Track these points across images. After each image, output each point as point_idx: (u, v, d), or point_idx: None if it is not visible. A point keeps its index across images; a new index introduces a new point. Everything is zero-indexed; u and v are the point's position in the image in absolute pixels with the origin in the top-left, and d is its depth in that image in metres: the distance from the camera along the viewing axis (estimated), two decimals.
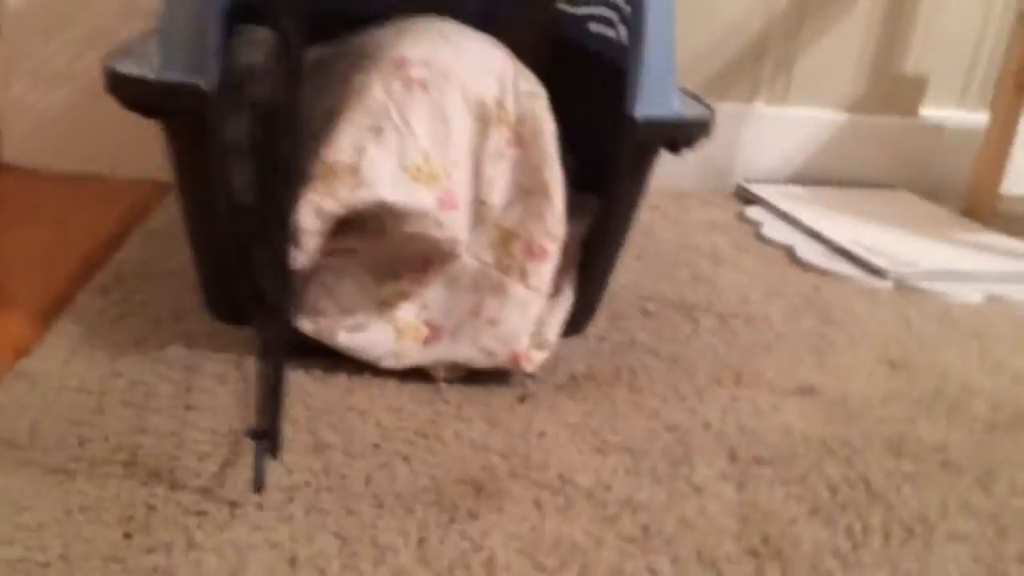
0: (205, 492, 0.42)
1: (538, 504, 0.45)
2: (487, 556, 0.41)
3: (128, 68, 0.53)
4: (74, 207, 0.83)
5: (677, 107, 0.57)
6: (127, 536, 0.39)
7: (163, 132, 0.57)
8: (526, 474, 0.47)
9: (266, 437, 0.41)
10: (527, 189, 0.55)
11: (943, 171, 1.14)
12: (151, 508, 0.41)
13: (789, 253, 0.89)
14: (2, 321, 0.59)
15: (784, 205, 1.00)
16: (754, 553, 0.44)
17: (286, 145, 0.45)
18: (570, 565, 0.41)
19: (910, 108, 1.14)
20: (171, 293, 0.64)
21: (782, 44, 1.09)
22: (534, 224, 0.54)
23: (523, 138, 0.55)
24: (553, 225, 0.54)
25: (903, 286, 0.82)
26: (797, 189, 1.09)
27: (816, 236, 0.92)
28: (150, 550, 0.38)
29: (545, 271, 0.54)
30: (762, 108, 1.11)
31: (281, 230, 0.43)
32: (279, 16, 0.48)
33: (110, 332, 0.58)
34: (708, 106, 0.60)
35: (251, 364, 0.55)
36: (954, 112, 1.16)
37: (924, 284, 0.82)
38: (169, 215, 0.82)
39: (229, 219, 0.54)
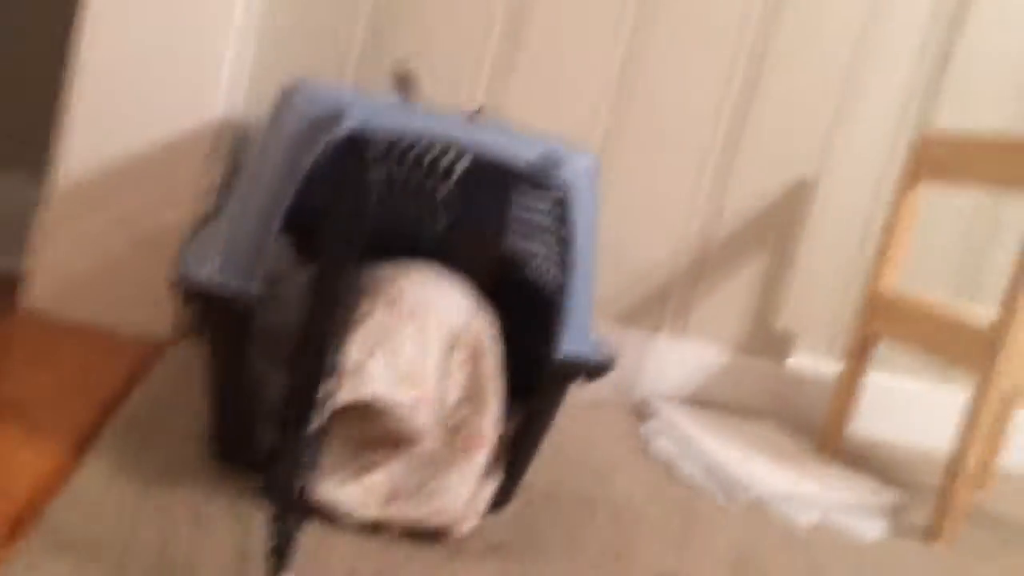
0: None
1: None
2: None
3: (194, 271, 0.73)
4: (91, 355, 1.00)
5: (590, 349, 0.79)
6: None
7: (210, 320, 0.76)
8: None
9: (280, 555, 0.58)
10: (473, 395, 0.75)
11: (805, 409, 1.39)
12: None
13: (671, 467, 1.09)
14: (48, 449, 0.74)
15: (675, 421, 1.22)
16: None
17: (320, 361, 0.64)
18: None
19: (781, 354, 1.41)
20: (180, 435, 0.81)
21: (683, 291, 1.35)
22: (475, 422, 0.74)
23: (475, 358, 0.76)
24: (489, 425, 0.74)
25: (755, 504, 1.03)
26: (687, 408, 1.32)
27: (694, 454, 1.13)
28: None
29: (479, 459, 0.74)
30: (664, 339, 1.35)
31: (309, 408, 0.61)
32: (333, 242, 0.66)
33: (134, 465, 0.74)
34: (613, 349, 0.82)
35: (248, 504, 0.71)
36: (819, 361, 1.43)
37: (772, 504, 1.03)
38: (170, 369, 0.99)
39: (249, 390, 0.73)
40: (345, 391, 0.69)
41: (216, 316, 0.74)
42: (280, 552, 0.58)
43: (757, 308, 1.39)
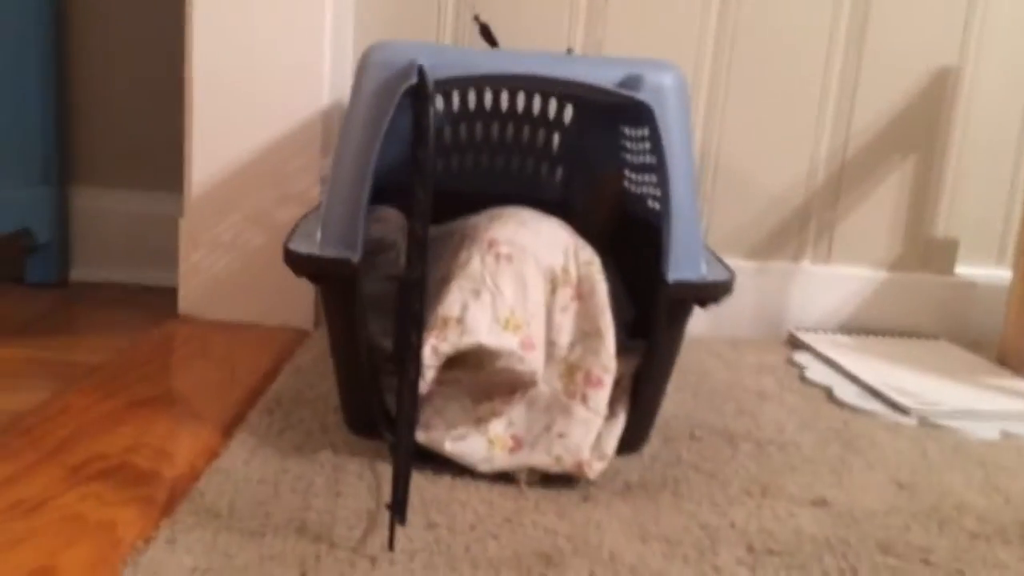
0: (353, 550, 0.60)
1: (592, 573, 0.60)
2: None
3: (299, 247, 0.75)
4: (237, 347, 1.05)
5: (703, 271, 0.75)
6: (303, 574, 0.56)
7: (320, 291, 0.78)
8: (585, 552, 0.63)
9: (397, 509, 0.58)
10: (586, 332, 0.73)
11: (980, 323, 1.27)
12: (318, 558, 0.58)
13: (828, 393, 1.02)
14: (197, 430, 0.79)
15: (828, 351, 1.15)
16: None
17: (415, 302, 0.63)
18: None
19: (945, 267, 1.29)
20: (319, 413, 0.83)
21: (822, 212, 1.26)
22: (592, 359, 0.72)
23: (582, 294, 0.73)
24: (607, 360, 0.72)
25: (926, 423, 0.95)
26: (843, 338, 1.23)
27: (853, 378, 1.06)
28: None
29: (601, 396, 0.71)
30: (808, 266, 1.27)
31: (412, 364, 0.61)
32: (412, 200, 0.64)
33: (276, 441, 0.77)
34: (730, 269, 0.78)
35: (381, 466, 0.73)
36: (989, 269, 1.30)
37: (945, 421, 0.95)
38: (311, 354, 1.03)
39: (367, 355, 0.74)
40: (448, 342, 0.68)
41: (323, 288, 0.75)
42: (397, 505, 0.58)
43: (909, 219, 1.27)
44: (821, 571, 0.63)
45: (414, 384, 0.58)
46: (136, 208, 1.31)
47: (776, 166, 1.24)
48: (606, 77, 0.73)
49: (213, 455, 0.74)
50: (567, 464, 0.70)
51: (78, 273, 1.32)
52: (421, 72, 0.57)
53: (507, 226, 0.75)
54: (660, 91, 0.73)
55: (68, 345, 1.04)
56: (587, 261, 0.75)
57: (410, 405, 0.59)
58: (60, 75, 1.26)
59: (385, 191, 0.83)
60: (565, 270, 0.74)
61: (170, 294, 1.16)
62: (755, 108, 1.23)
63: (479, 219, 0.78)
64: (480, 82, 0.70)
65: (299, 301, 1.14)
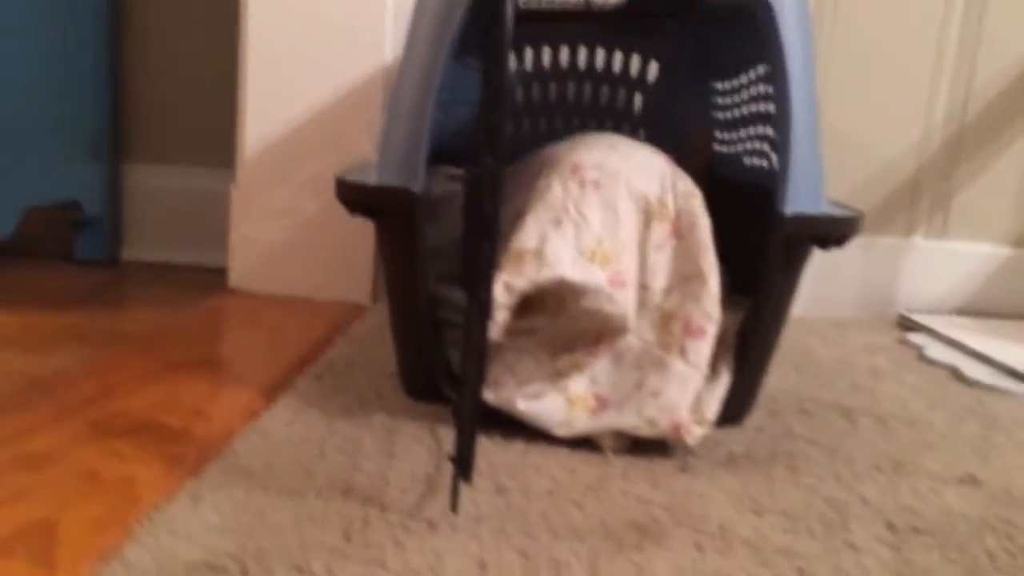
0: (408, 514, 0.50)
1: (699, 546, 0.49)
2: None
3: (353, 178, 0.66)
4: (288, 319, 0.97)
5: (825, 208, 0.64)
6: (347, 538, 0.46)
7: (377, 231, 0.68)
8: (688, 523, 0.51)
9: (462, 464, 0.48)
10: (685, 275, 0.62)
11: None
12: (366, 522, 0.48)
13: (953, 372, 0.89)
14: (237, 393, 0.70)
15: (949, 331, 1.01)
16: None
17: (486, 204, 0.52)
18: None
19: None
20: (373, 379, 0.74)
21: (937, 181, 1.13)
22: (692, 306, 0.61)
23: (681, 231, 0.62)
24: (710, 307, 0.60)
25: None
26: (962, 319, 1.09)
27: (982, 358, 0.92)
28: (366, 547, 0.45)
29: (703, 349, 0.60)
30: (920, 242, 1.13)
31: (483, 284, 0.50)
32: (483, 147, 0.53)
33: (324, 404, 0.68)
34: (857, 211, 0.66)
35: (442, 430, 0.63)
36: None
37: None
38: (367, 327, 0.93)
39: (428, 304, 0.65)
40: (524, 277, 0.58)
41: (379, 225, 0.66)
42: (461, 459, 0.48)
43: None
44: (985, 552, 0.50)
45: (484, 306, 0.48)
46: (192, 185, 1.25)
47: (885, 129, 1.11)
48: None
49: (252, 416, 0.65)
50: (662, 427, 0.59)
51: (130, 252, 1.26)
52: None
53: (593, 150, 0.64)
54: None
55: (111, 317, 0.97)
56: (687, 193, 0.64)
57: (479, 334, 0.49)
58: (114, 49, 1.21)
59: (449, 157, 0.74)
60: (661, 202, 0.63)
61: (225, 274, 1.09)
62: (861, 63, 1.10)
63: (561, 145, 0.67)
64: None
65: (356, 273, 1.05)
